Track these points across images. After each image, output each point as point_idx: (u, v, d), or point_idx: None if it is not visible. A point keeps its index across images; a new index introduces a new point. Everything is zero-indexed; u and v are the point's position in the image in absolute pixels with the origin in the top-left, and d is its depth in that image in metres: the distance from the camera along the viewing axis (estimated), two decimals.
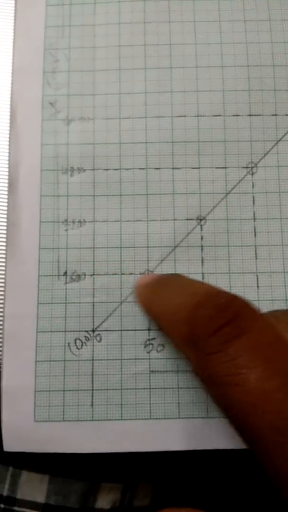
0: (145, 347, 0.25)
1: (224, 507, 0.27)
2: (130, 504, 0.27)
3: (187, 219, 0.26)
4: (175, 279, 0.23)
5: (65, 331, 0.25)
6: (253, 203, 0.26)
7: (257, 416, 0.16)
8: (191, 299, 0.19)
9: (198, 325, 0.18)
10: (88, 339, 0.25)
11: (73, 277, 0.26)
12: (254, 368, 0.16)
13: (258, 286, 0.26)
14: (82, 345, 0.25)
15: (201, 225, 0.26)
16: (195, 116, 0.27)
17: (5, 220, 0.26)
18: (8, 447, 0.24)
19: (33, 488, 0.27)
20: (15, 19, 0.28)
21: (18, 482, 0.27)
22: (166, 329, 0.20)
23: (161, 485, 0.27)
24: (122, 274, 0.26)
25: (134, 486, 0.27)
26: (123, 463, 0.27)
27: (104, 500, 0.27)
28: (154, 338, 0.25)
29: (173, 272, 0.26)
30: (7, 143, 0.27)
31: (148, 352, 0.25)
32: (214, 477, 0.27)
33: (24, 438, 0.24)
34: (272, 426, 0.15)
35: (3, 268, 0.26)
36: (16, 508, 0.27)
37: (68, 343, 0.25)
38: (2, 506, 0.27)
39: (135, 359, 0.25)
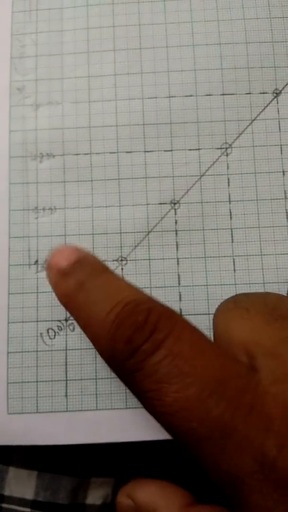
0: None
1: (215, 497, 0.26)
2: None
3: (161, 203, 0.25)
4: (95, 282, 0.21)
5: (37, 321, 0.25)
6: (228, 184, 0.26)
7: (183, 427, 0.15)
8: (109, 314, 0.18)
9: (116, 349, 0.17)
10: (61, 329, 0.25)
11: (45, 265, 0.25)
12: (172, 380, 0.16)
13: (234, 270, 0.25)
14: (55, 335, 0.25)
15: (175, 209, 0.25)
16: (167, 97, 0.26)
17: None
18: None
19: (21, 484, 0.27)
20: None
21: (5, 479, 0.27)
22: (89, 337, 0.20)
23: None
24: None
25: (125, 482, 0.27)
26: (113, 458, 0.27)
27: (95, 496, 0.27)
28: None
29: (147, 257, 0.25)
30: None
31: None
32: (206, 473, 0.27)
33: None
34: (198, 434, 0.15)
35: None
36: (4, 505, 0.27)
37: (41, 333, 0.25)
38: None
39: None
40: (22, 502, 0.27)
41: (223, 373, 0.16)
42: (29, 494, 0.27)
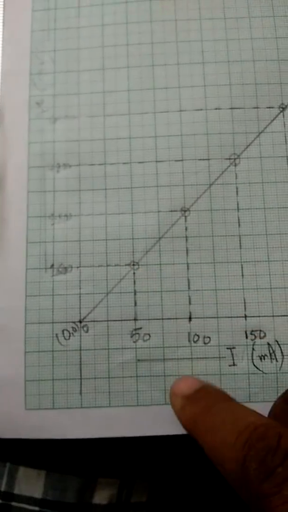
0: (131, 336, 0.25)
1: (221, 505, 0.27)
2: (127, 500, 0.27)
3: (171, 211, 0.27)
4: (222, 405, 0.21)
5: (52, 323, 0.26)
6: (237, 193, 0.27)
7: None
8: (240, 436, 0.18)
9: (250, 469, 0.17)
10: (76, 330, 0.26)
11: (60, 269, 0.26)
12: None
13: (242, 275, 0.26)
14: (69, 336, 0.26)
15: (185, 216, 0.26)
16: (178, 111, 0.28)
17: None
18: (0, 434, 0.25)
19: (30, 483, 0.28)
20: (3, 26, 0.29)
21: (15, 478, 0.28)
22: (214, 461, 0.19)
23: (158, 483, 0.28)
24: (108, 265, 0.26)
25: (131, 483, 0.28)
26: (118, 460, 0.28)
27: (101, 496, 0.27)
28: (140, 328, 0.25)
29: (158, 262, 0.26)
30: None
31: (135, 342, 0.25)
32: (211, 475, 0.27)
33: (16, 425, 0.25)
34: None
35: None
36: (14, 504, 0.27)
37: (56, 334, 0.26)
38: (0, 501, 0.27)
39: (122, 348, 0.25)
40: (31, 500, 0.27)
41: None
42: (38, 493, 0.27)
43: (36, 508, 0.27)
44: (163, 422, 0.24)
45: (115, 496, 0.27)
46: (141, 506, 0.27)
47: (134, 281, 0.26)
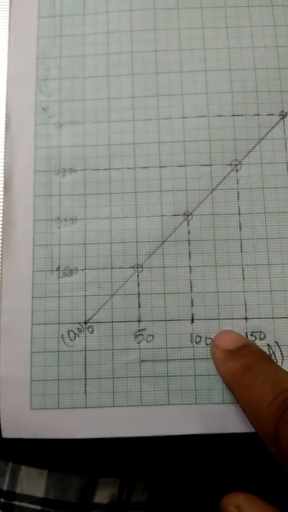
0: (135, 337, 0.26)
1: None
2: (128, 500, 0.28)
3: (174, 215, 0.27)
4: (262, 367, 0.23)
5: (58, 323, 0.26)
6: (238, 198, 0.27)
7: None
8: (278, 397, 0.20)
9: (282, 430, 0.19)
10: (81, 331, 0.26)
11: (66, 271, 0.27)
12: None
13: (243, 278, 0.26)
14: (75, 337, 0.26)
15: (188, 221, 0.27)
16: (180, 117, 0.28)
17: (0, 219, 0.28)
18: (6, 433, 0.25)
19: (32, 482, 0.28)
20: (9, 32, 0.30)
21: (17, 477, 0.28)
22: (249, 416, 0.21)
23: (159, 482, 0.28)
24: (112, 268, 0.27)
25: (131, 482, 0.28)
26: (119, 459, 0.28)
27: (102, 495, 0.28)
28: (144, 329, 0.26)
29: (162, 265, 0.27)
30: (3, 147, 0.28)
31: (138, 343, 0.26)
32: (211, 474, 0.28)
33: (22, 425, 0.25)
34: None
35: None
36: (16, 503, 0.28)
37: (62, 335, 0.26)
38: (2, 500, 0.28)
39: (126, 349, 0.26)
40: (33, 500, 0.28)
41: None
42: (39, 492, 0.28)
43: (38, 507, 0.28)
44: (166, 422, 0.25)
45: (116, 495, 0.28)
46: (142, 505, 0.28)
47: (138, 283, 0.26)
